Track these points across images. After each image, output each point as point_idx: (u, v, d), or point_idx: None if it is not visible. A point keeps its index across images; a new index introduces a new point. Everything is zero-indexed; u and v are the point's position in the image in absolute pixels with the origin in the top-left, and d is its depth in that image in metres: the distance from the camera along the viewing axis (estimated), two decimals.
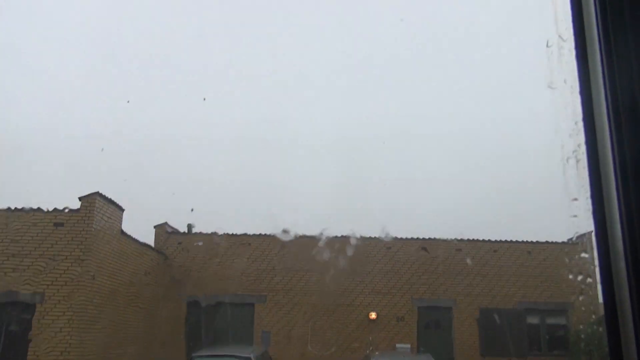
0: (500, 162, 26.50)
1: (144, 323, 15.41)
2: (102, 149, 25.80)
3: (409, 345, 16.53)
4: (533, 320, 17.45)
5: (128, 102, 25.97)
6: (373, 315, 17.01)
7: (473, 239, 17.80)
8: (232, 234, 17.71)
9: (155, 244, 17.22)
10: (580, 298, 15.58)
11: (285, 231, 16.61)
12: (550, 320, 17.42)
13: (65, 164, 23.81)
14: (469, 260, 16.76)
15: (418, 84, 30.62)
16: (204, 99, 27.19)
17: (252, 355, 12.06)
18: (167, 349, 15.89)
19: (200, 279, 16.96)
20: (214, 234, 17.65)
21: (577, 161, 1.24)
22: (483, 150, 27.75)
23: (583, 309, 15.73)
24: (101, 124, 25.43)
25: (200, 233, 17.90)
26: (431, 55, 29.94)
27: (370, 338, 16.65)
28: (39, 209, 12.81)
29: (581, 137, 1.14)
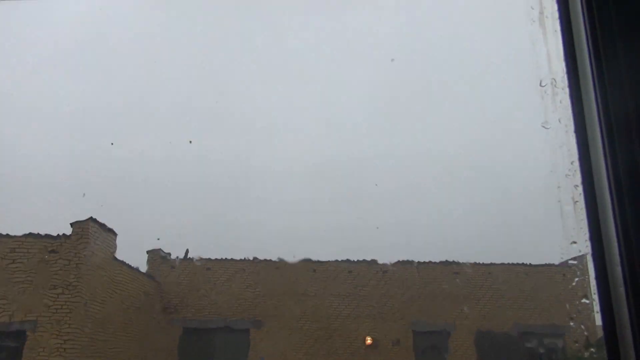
0: (497, 191, 26.64)
1: (137, 350, 15.16)
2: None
3: None
4: (530, 343, 17.32)
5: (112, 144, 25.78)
6: (369, 340, 16.84)
7: (468, 262, 17.75)
8: (227, 259, 17.60)
9: (148, 270, 17.05)
10: (574, 323, 15.52)
11: (280, 258, 16.54)
12: (548, 343, 17.30)
13: (57, 189, 23.72)
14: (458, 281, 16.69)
15: (408, 122, 30.83)
16: (190, 142, 27.47)
17: None
18: None
19: (194, 304, 16.77)
20: (208, 259, 17.50)
21: (575, 202, 1.24)
22: (479, 182, 27.84)
23: (582, 331, 15.65)
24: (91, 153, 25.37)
25: (194, 258, 17.76)
26: (422, 93, 30.29)
27: None
28: (30, 235, 12.69)
29: (578, 178, 1.13)
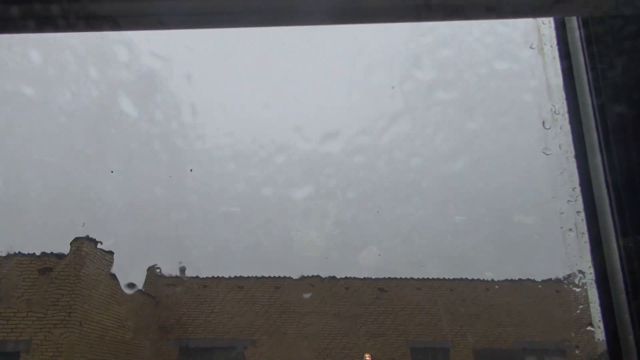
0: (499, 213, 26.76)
1: None
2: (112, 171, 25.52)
3: None
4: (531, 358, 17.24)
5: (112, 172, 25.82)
6: (368, 358, 16.73)
7: (466, 279, 17.72)
8: (224, 277, 17.51)
9: (145, 288, 16.93)
10: (576, 336, 15.45)
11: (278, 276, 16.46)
12: None
13: (53, 208, 23.63)
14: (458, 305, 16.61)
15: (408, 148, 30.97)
16: (191, 170, 27.52)
17: None
18: None
19: (191, 323, 16.64)
20: (206, 277, 17.43)
21: (576, 227, 1.24)
22: (480, 205, 27.91)
23: (583, 348, 15.57)
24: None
25: (192, 276, 17.67)
26: (424, 117, 30.46)
27: None
28: (26, 254, 12.59)
29: (580, 204, 1.14)
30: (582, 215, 1.13)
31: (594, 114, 1.14)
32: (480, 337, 16.87)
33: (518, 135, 27.19)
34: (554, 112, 1.35)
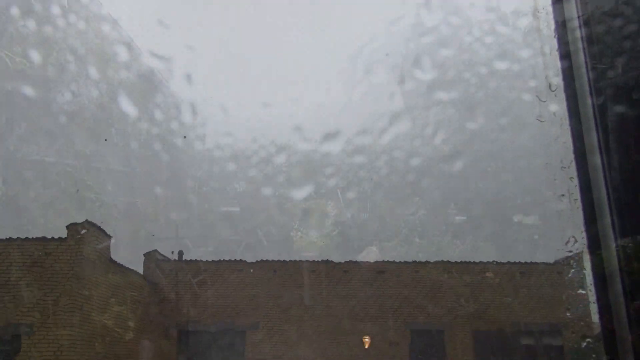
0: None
1: (134, 354, 15.05)
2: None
3: None
4: (528, 341, 17.28)
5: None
6: (367, 340, 16.82)
7: (464, 261, 17.82)
8: (224, 260, 17.62)
9: (144, 272, 17.01)
10: (571, 316, 15.56)
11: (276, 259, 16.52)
12: (546, 341, 17.24)
13: (56, 191, 23.72)
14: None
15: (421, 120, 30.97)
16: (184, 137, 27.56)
17: None
18: None
19: (191, 307, 16.72)
20: (205, 260, 17.58)
21: (569, 193, 1.24)
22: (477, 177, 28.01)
23: (580, 326, 15.62)
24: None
25: (191, 260, 17.79)
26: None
27: None
28: (26, 239, 12.66)
29: (573, 170, 1.14)
30: (576, 181, 1.13)
31: (594, 114, 1.14)
32: (478, 319, 16.91)
33: (518, 135, 27.23)
34: (550, 88, 1.35)
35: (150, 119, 28.03)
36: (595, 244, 1.07)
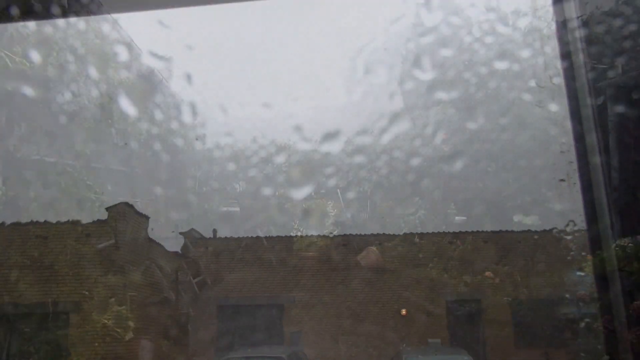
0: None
1: (177, 329, 15.40)
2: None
3: (439, 340, 16.59)
4: (566, 309, 17.23)
5: None
6: (403, 312, 17.02)
7: (499, 230, 18.13)
8: (258, 237, 17.97)
9: (182, 251, 17.42)
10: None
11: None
12: (584, 309, 17.16)
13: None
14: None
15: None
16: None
17: (284, 355, 12.21)
18: (199, 357, 15.94)
19: (228, 282, 17.03)
20: (240, 238, 18.01)
21: (568, 177, 1.24)
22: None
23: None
24: None
25: (226, 237, 18.16)
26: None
27: (402, 334, 16.63)
28: (68, 222, 13.18)
29: (572, 155, 1.14)
30: (575, 165, 1.13)
31: (594, 114, 1.14)
32: (514, 288, 17.03)
33: (518, 135, 27.29)
34: (550, 79, 1.35)
35: (150, 119, 28.08)
36: (595, 244, 1.07)
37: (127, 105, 26.66)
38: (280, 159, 32.29)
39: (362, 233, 17.71)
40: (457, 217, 28.22)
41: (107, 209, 13.25)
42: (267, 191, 30.89)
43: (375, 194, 30.91)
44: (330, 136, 32.21)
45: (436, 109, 30.15)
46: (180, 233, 17.58)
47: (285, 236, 17.76)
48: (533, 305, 16.91)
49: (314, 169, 31.06)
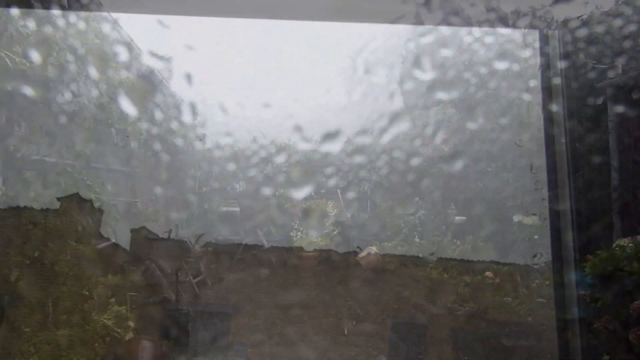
0: None
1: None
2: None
3: None
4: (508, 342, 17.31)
5: None
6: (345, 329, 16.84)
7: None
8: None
9: (131, 247, 17.16)
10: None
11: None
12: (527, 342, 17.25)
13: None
14: None
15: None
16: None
17: None
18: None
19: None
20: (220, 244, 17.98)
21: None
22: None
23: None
24: None
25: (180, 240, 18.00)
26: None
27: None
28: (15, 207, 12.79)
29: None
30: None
31: (594, 114, 1.14)
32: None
33: (518, 135, 27.26)
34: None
35: (150, 119, 28.08)
36: (595, 244, 1.06)
37: (127, 105, 26.65)
38: (280, 159, 32.26)
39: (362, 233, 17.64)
40: (457, 217, 28.23)
41: (58, 199, 12.75)
42: (267, 191, 30.88)
43: (375, 194, 30.92)
44: (330, 136, 32.15)
45: (436, 109, 30.16)
46: (131, 230, 16.78)
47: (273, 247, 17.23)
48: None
49: (314, 169, 31.05)
